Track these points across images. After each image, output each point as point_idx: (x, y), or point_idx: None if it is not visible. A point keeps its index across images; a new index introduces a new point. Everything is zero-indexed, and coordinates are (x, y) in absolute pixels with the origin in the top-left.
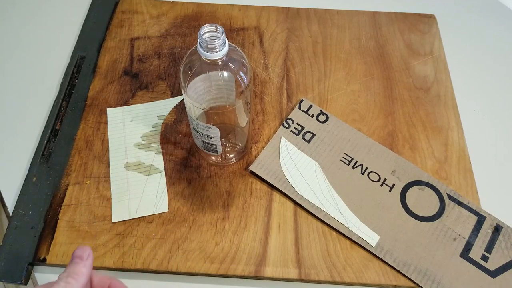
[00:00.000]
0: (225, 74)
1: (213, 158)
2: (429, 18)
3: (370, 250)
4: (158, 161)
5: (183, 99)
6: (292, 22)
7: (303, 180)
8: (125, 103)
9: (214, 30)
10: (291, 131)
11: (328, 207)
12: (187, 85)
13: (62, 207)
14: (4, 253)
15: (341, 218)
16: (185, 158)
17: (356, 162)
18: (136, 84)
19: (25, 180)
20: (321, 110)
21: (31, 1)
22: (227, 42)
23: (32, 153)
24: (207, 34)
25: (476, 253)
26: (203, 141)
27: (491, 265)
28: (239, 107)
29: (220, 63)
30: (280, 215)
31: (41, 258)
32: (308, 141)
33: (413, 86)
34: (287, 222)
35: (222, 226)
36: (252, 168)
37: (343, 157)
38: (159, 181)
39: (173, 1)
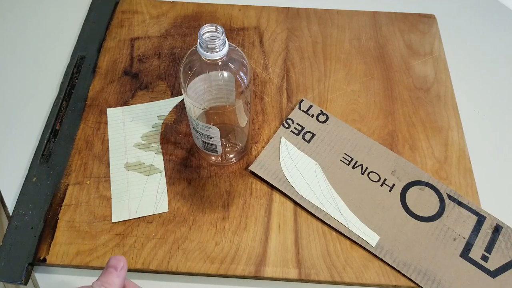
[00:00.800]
0: (225, 74)
1: (213, 158)
2: (429, 18)
3: (370, 250)
4: (158, 161)
5: (183, 99)
6: (292, 22)
7: (303, 180)
8: (125, 103)
9: (214, 30)
10: (291, 131)
11: (328, 207)
12: (187, 85)
13: (62, 207)
14: (4, 253)
15: (341, 218)
16: (185, 158)
17: (356, 162)
18: (136, 84)
19: (25, 180)
20: (321, 110)
21: (31, 1)
22: (227, 42)
23: (32, 153)
24: (207, 34)
25: (476, 253)
26: (203, 141)
27: (491, 265)
28: (239, 107)
29: (220, 63)
30: (280, 215)
31: (41, 258)
32: (308, 141)
33: (413, 86)
34: (287, 222)
35: (222, 226)
36: (252, 168)
37: (343, 157)
38: (159, 181)
39: (173, 1)
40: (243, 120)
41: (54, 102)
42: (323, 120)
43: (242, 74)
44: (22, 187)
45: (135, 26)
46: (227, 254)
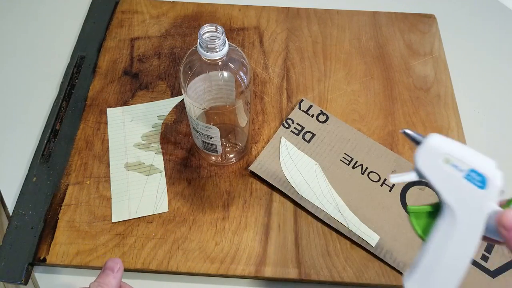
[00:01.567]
0: (225, 74)
1: (213, 158)
2: (429, 18)
3: (370, 250)
4: (158, 161)
5: (183, 99)
6: (292, 22)
7: (303, 180)
8: (125, 103)
9: (214, 30)
10: (291, 131)
11: (328, 207)
12: (187, 85)
13: (62, 207)
14: (4, 253)
15: (341, 218)
16: (185, 158)
17: (356, 162)
18: (136, 84)
19: (25, 180)
20: (321, 110)
21: (31, 1)
22: (227, 42)
23: (32, 153)
24: (207, 34)
25: (476, 253)
26: (203, 141)
27: (491, 265)
28: (239, 107)
29: (220, 63)
30: (280, 215)
31: (41, 258)
32: (308, 141)
33: (413, 86)
34: (287, 222)
35: (222, 226)
36: (252, 168)
37: (343, 157)
38: (159, 181)
39: (173, 1)
40: (243, 120)
41: (54, 102)
42: (323, 120)
43: (242, 74)
44: (22, 187)
45: (135, 26)
46: (227, 254)
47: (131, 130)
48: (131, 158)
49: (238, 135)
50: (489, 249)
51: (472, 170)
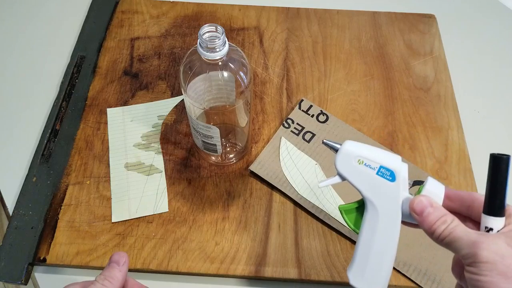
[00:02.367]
0: (225, 74)
1: (213, 158)
2: (429, 18)
3: None
4: (158, 161)
5: (183, 99)
6: (292, 22)
7: (303, 180)
8: (125, 103)
9: (214, 30)
10: (291, 131)
11: (328, 207)
12: (187, 85)
13: (62, 207)
14: (4, 253)
15: (341, 218)
16: (185, 158)
17: None
18: (136, 84)
19: (25, 180)
20: (321, 110)
21: (31, 1)
22: (227, 42)
23: (32, 153)
24: (207, 34)
25: None
26: (203, 141)
27: None
28: (239, 107)
29: (220, 63)
30: (280, 215)
31: (41, 258)
32: (308, 141)
33: (413, 86)
34: (287, 222)
35: (222, 226)
36: (252, 168)
37: None
38: (159, 181)
39: (173, 1)
40: (243, 120)
41: (54, 102)
42: (323, 120)
43: (242, 74)
44: (22, 187)
45: (135, 26)
46: (227, 254)
47: (131, 130)
48: (131, 158)
49: (238, 135)
50: None
51: (382, 167)
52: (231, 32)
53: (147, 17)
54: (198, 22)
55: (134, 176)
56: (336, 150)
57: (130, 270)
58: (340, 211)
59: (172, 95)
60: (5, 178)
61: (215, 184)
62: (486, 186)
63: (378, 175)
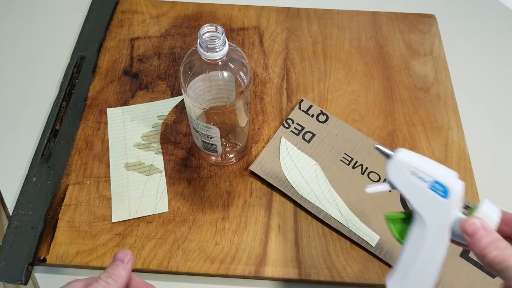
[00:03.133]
0: (225, 74)
1: (213, 158)
2: (429, 18)
3: (370, 250)
4: (158, 161)
5: (183, 99)
6: (292, 22)
7: (303, 180)
8: (125, 103)
9: (214, 30)
10: (291, 131)
11: (328, 207)
12: (187, 85)
13: (62, 207)
14: (4, 253)
15: (341, 218)
16: (185, 158)
17: (356, 162)
18: (136, 84)
19: (25, 180)
20: (321, 110)
21: (31, 1)
22: (227, 42)
23: (32, 153)
24: (207, 34)
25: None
26: (203, 141)
27: None
28: (239, 107)
29: (220, 63)
30: (280, 215)
31: (41, 258)
32: (308, 141)
33: (413, 86)
34: (287, 222)
35: (222, 226)
36: (252, 168)
37: (343, 157)
38: (159, 181)
39: (173, 1)
40: (243, 120)
41: (54, 102)
42: (323, 120)
43: (242, 74)
44: (22, 187)
45: (135, 26)
46: (227, 254)
47: (131, 130)
48: (131, 158)
49: (238, 135)
50: None
51: (436, 182)
52: (231, 32)
53: (147, 17)
54: (198, 22)
55: (134, 176)
56: (388, 156)
57: None
58: (386, 220)
59: (172, 95)
60: (5, 178)
61: (215, 184)
62: None
63: (431, 189)
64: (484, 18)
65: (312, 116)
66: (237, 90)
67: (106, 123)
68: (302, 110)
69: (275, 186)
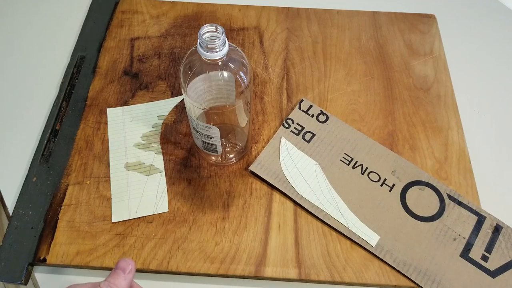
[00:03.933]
0: (225, 74)
1: (213, 158)
2: (429, 18)
3: (370, 250)
4: (158, 161)
5: (183, 99)
6: (292, 22)
7: (303, 180)
8: (125, 103)
9: (214, 30)
10: (291, 131)
11: (328, 207)
12: (187, 85)
13: (62, 207)
14: (4, 253)
15: (341, 218)
16: (185, 158)
17: (356, 162)
18: (136, 84)
19: (25, 180)
20: (321, 110)
21: (31, 1)
22: (227, 42)
23: (32, 153)
24: (207, 34)
25: (476, 253)
26: (203, 141)
27: (491, 265)
28: (239, 107)
29: (220, 63)
30: (280, 215)
31: (41, 258)
32: (308, 141)
33: (413, 86)
34: (287, 222)
35: (222, 226)
36: (252, 168)
37: (343, 157)
38: (159, 181)
39: (173, 1)
40: (243, 120)
41: (54, 102)
42: (323, 120)
43: (242, 74)
44: (22, 187)
45: (135, 26)
46: (227, 254)
47: (131, 130)
48: (131, 158)
49: (238, 135)
50: (489, 249)
51: None
52: (231, 32)
53: (147, 17)
54: (198, 22)
55: (134, 176)
56: None
57: None
58: None
59: (172, 95)
60: (5, 178)
61: (215, 184)
62: None
63: None
64: (484, 18)
65: (312, 116)
66: (237, 90)
67: (106, 123)
68: (302, 110)
69: (275, 186)
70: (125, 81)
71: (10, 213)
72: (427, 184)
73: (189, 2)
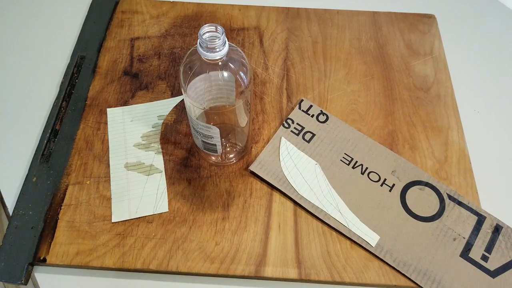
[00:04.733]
0: (225, 74)
1: (213, 158)
2: (429, 18)
3: (370, 250)
4: (158, 161)
5: (183, 99)
6: (292, 22)
7: (303, 180)
8: (125, 103)
9: (214, 30)
10: (291, 131)
11: (328, 207)
12: (187, 85)
13: (62, 207)
14: (4, 253)
15: (341, 218)
16: (185, 158)
17: (356, 162)
18: (136, 84)
19: (25, 180)
20: (321, 110)
21: (31, 1)
22: (227, 42)
23: (32, 153)
24: (207, 34)
25: (476, 253)
26: (203, 141)
27: (491, 265)
28: (239, 107)
29: (220, 63)
30: (280, 215)
31: (41, 258)
32: (308, 141)
33: (413, 86)
34: (287, 222)
35: (222, 226)
36: (252, 168)
37: (343, 157)
38: (159, 181)
39: (173, 1)
40: (243, 120)
41: (54, 102)
42: (323, 120)
43: (242, 74)
44: (22, 187)
45: (135, 26)
46: (227, 254)
47: (131, 130)
48: (131, 158)
49: (238, 135)
50: (489, 249)
51: None
52: (231, 32)
53: (147, 17)
54: (198, 22)
55: (134, 176)
56: None
57: (130, 270)
58: None
59: (172, 95)
60: (5, 178)
61: (215, 184)
62: None
63: None
64: (484, 18)
65: (312, 116)
66: (237, 90)
67: (106, 123)
68: (302, 110)
69: (275, 186)
70: (125, 81)
71: (10, 213)
72: (427, 184)
73: (189, 2)
